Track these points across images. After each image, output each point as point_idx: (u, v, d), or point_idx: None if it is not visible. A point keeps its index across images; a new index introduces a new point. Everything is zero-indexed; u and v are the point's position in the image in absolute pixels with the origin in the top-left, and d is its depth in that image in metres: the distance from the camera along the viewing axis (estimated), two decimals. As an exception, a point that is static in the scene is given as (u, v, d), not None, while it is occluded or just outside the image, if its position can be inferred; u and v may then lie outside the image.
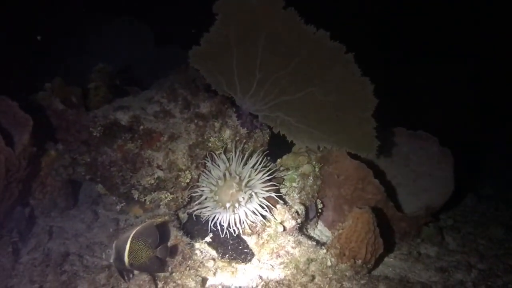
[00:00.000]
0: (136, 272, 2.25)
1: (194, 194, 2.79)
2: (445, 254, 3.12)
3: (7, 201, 2.46)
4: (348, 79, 2.64)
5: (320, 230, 3.17)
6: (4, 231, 2.50)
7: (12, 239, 2.48)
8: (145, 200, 2.70)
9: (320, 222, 3.22)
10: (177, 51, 5.59)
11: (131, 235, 2.07)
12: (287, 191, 2.91)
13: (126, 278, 2.21)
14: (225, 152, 2.82)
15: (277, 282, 2.33)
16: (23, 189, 2.63)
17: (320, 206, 3.05)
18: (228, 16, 2.60)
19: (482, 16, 5.40)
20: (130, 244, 2.05)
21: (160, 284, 2.24)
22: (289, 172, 3.04)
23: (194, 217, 2.74)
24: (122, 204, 2.89)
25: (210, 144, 2.74)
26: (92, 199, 3.22)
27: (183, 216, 2.77)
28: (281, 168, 3.06)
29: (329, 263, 2.53)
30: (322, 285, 2.36)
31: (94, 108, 2.90)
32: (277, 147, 3.17)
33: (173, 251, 2.35)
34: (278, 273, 2.46)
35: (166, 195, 2.65)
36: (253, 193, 2.55)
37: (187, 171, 2.68)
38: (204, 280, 2.30)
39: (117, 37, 5.40)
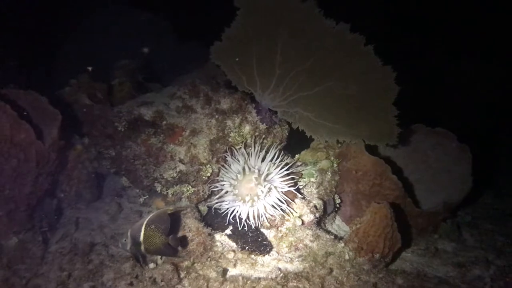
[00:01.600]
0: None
1: (214, 189, 2.86)
2: (462, 250, 3.13)
3: (37, 192, 2.56)
4: (369, 71, 2.64)
5: (338, 225, 3.20)
6: (35, 221, 2.61)
7: (42, 229, 2.59)
8: (167, 193, 2.78)
9: (338, 217, 3.26)
10: (196, 47, 5.66)
11: (145, 222, 2.19)
12: (305, 186, 2.95)
13: (142, 262, 2.33)
14: (244, 147, 2.88)
15: (295, 274, 2.38)
16: (51, 181, 2.73)
17: (338, 201, 3.08)
18: (249, 10, 2.62)
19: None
20: (144, 231, 2.16)
21: (182, 274, 2.32)
22: (307, 167, 3.08)
23: (214, 210, 2.81)
24: (145, 197, 2.98)
25: (230, 139, 2.80)
26: (116, 192, 3.33)
27: (204, 209, 2.84)
28: (299, 163, 3.10)
29: (347, 257, 2.57)
30: (340, 278, 2.40)
31: (118, 103, 2.99)
32: (295, 143, 3.22)
33: (183, 240, 2.45)
34: (297, 266, 2.51)
35: (188, 188, 2.73)
36: (272, 187, 2.60)
37: (208, 165, 2.75)
38: (224, 271, 2.37)
39: (138, 32, 5.48)
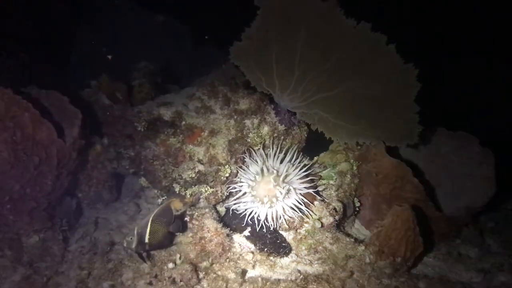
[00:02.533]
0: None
1: (232, 190, 2.84)
2: (486, 256, 3.05)
3: (57, 191, 2.59)
4: (391, 70, 2.59)
5: (357, 229, 3.15)
6: (55, 220, 2.63)
7: (62, 227, 2.61)
8: (185, 193, 2.77)
9: (357, 221, 3.21)
10: (213, 51, 5.68)
11: (151, 219, 2.25)
12: (324, 189, 2.91)
13: (145, 260, 2.36)
14: (263, 148, 2.86)
15: (315, 276, 2.34)
16: (71, 181, 2.75)
17: (357, 204, 3.04)
18: (269, 10, 2.60)
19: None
20: (150, 228, 2.22)
21: (201, 274, 2.30)
22: (326, 170, 3.05)
23: (232, 212, 2.79)
24: (163, 198, 2.98)
25: (249, 140, 2.79)
26: (134, 193, 3.34)
27: (222, 210, 2.82)
28: (318, 166, 3.07)
29: (367, 260, 2.52)
30: (361, 281, 2.36)
31: (138, 104, 3.01)
32: (314, 146, 3.18)
33: (184, 225, 2.53)
34: (316, 268, 2.47)
35: (206, 189, 2.71)
36: (291, 189, 2.57)
37: (227, 165, 2.73)
38: (243, 272, 2.35)
39: (156, 36, 5.53)
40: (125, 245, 2.25)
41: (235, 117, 2.81)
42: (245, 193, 2.72)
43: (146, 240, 2.22)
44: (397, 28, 2.68)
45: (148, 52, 5.29)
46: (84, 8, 5.37)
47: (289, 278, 2.32)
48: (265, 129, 2.87)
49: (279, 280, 2.31)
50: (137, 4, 5.72)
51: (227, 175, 2.73)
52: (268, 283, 2.22)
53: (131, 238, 2.23)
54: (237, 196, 2.76)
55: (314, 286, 2.24)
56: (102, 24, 5.49)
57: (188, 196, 2.81)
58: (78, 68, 4.98)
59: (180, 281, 2.19)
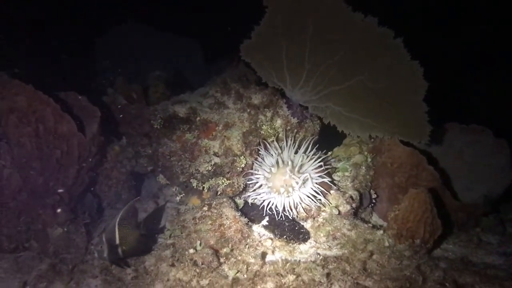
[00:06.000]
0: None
1: (249, 182, 2.88)
2: (508, 242, 3.01)
3: (79, 186, 2.66)
4: (398, 65, 2.63)
5: (375, 221, 3.15)
6: (77, 213, 2.69)
7: (84, 221, 2.67)
8: (203, 187, 2.82)
9: (374, 214, 3.20)
10: (225, 66, 5.79)
11: (117, 222, 2.17)
12: (339, 180, 2.94)
13: (124, 266, 2.32)
14: (277, 141, 2.91)
15: (335, 257, 2.34)
16: (92, 177, 2.82)
17: (374, 196, 3.05)
18: (277, 6, 2.69)
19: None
20: (118, 231, 2.14)
21: (222, 260, 2.32)
22: (341, 163, 3.07)
23: (250, 203, 2.82)
24: (181, 195, 3.03)
25: (263, 132, 2.84)
26: (153, 194, 3.39)
27: (240, 202, 2.85)
28: (333, 159, 3.09)
29: (386, 244, 2.52)
30: (381, 262, 2.35)
31: (153, 104, 3.10)
32: (327, 142, 3.22)
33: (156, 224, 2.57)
34: (336, 252, 2.47)
35: (223, 181, 2.76)
36: (308, 177, 2.60)
37: (242, 156, 2.78)
38: (263, 254, 2.36)
39: (168, 51, 5.69)
40: (96, 255, 2.18)
41: (248, 110, 2.88)
42: (261, 185, 2.76)
43: (117, 242, 2.15)
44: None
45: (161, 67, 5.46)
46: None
47: (309, 260, 2.33)
48: (278, 122, 2.93)
49: (299, 261, 2.32)
50: (147, 24, 5.91)
51: (243, 165, 2.78)
52: (288, 264, 2.23)
53: (101, 247, 2.16)
54: (253, 188, 2.80)
55: (334, 265, 2.24)
56: (114, 45, 5.67)
57: (206, 190, 2.86)
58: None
59: (202, 263, 2.21)
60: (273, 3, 2.72)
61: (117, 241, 2.15)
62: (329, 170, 2.83)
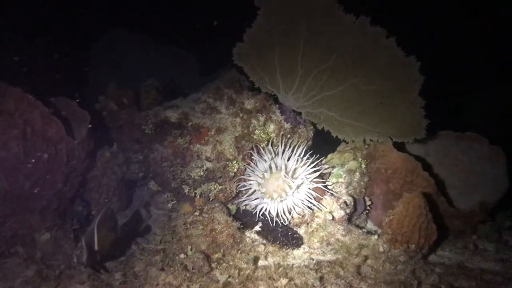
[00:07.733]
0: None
1: (241, 188, 2.84)
2: (504, 249, 2.97)
3: (68, 192, 2.61)
4: (392, 63, 2.61)
5: (369, 228, 3.10)
6: (66, 219, 2.64)
7: (73, 227, 2.61)
8: (195, 193, 2.77)
9: (369, 221, 3.16)
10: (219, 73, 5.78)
11: (96, 225, 2.16)
12: (333, 186, 2.90)
13: (102, 271, 2.28)
14: (271, 146, 2.88)
15: (329, 262, 2.30)
16: (81, 182, 2.77)
17: (368, 202, 3.01)
18: (269, 9, 2.67)
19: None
20: (97, 235, 2.14)
21: (213, 265, 2.27)
22: (335, 169, 3.04)
23: (242, 210, 2.78)
24: (173, 202, 2.98)
25: (255, 136, 2.81)
26: (144, 202, 3.34)
27: (232, 208, 2.81)
28: (327, 166, 3.06)
29: (381, 249, 2.47)
30: (375, 267, 2.30)
31: (145, 109, 3.07)
32: (321, 148, 3.19)
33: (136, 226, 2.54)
34: (330, 258, 2.43)
35: (215, 186, 2.72)
36: (303, 181, 2.57)
37: (234, 161, 2.75)
38: (256, 259, 2.31)
39: (164, 65, 5.68)
40: (75, 260, 2.15)
41: (241, 115, 2.85)
42: (254, 191, 2.72)
43: (96, 248, 2.12)
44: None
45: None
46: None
47: (302, 264, 2.28)
48: (271, 127, 2.90)
49: (292, 265, 2.27)
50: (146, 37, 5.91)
51: (235, 170, 2.75)
52: (281, 268, 2.18)
53: (80, 251, 2.13)
54: (247, 194, 2.76)
55: (328, 270, 2.19)
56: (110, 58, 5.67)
57: (198, 196, 2.82)
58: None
59: (192, 268, 2.15)
60: (265, 5, 2.70)
61: (96, 244, 2.14)
62: (323, 175, 2.79)
